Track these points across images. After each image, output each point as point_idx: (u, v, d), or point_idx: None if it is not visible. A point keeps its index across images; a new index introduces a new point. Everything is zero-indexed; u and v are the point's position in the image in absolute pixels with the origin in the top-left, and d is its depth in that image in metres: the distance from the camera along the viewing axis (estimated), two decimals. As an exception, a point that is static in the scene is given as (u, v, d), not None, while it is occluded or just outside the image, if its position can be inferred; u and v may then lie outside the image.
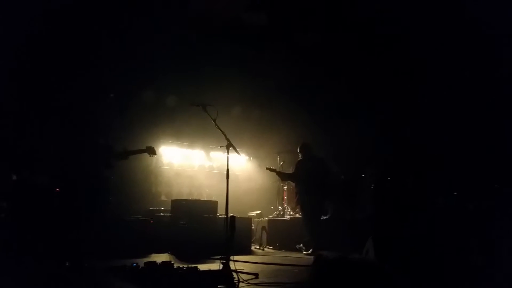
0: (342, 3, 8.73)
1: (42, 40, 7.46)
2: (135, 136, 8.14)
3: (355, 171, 9.52)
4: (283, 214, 9.72)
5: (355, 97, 9.89)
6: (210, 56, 9.43)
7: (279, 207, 9.96)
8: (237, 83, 9.52)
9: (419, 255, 5.21)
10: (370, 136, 9.38)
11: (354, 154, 9.74)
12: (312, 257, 7.43)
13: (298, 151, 8.43)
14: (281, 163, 9.86)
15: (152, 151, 6.34)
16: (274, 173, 8.47)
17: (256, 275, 5.09)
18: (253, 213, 9.69)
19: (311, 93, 10.66)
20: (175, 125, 9.86)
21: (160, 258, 6.29)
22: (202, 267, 4.90)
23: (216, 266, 4.90)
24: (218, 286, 4.45)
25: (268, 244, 8.92)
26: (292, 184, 9.09)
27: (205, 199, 9.72)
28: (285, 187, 9.97)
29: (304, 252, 7.91)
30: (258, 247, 8.82)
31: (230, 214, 5.06)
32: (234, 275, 4.70)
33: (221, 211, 8.00)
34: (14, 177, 6.46)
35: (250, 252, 7.99)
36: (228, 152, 5.34)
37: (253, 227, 9.04)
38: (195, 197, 9.92)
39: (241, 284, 4.60)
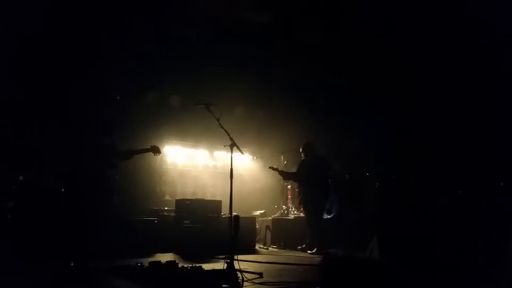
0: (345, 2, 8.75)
1: (46, 40, 7.49)
2: (140, 136, 8.15)
3: (359, 170, 9.50)
4: (287, 213, 9.71)
5: (359, 96, 9.88)
6: (213, 55, 9.43)
7: (283, 206, 9.96)
8: (241, 83, 9.52)
9: (424, 254, 5.20)
10: (375, 135, 9.36)
11: (359, 153, 9.73)
12: (316, 256, 7.45)
13: (300, 150, 8.45)
14: (285, 162, 9.86)
15: (156, 150, 6.33)
16: (277, 172, 8.48)
17: (260, 275, 5.09)
18: (257, 213, 9.68)
19: (315, 92, 10.66)
20: (179, 125, 9.87)
21: (165, 257, 6.28)
22: (207, 266, 4.91)
23: (220, 265, 4.89)
24: (223, 286, 4.45)
25: (273, 243, 8.92)
26: (296, 183, 9.09)
27: (209, 198, 9.74)
28: (289, 186, 9.96)
29: (309, 252, 7.90)
30: (262, 247, 8.82)
31: (234, 213, 5.06)
32: (239, 274, 4.70)
33: (225, 211, 7.98)
34: (21, 178, 6.49)
35: (255, 252, 7.99)
36: (232, 152, 5.34)
37: (257, 227, 9.03)
38: (199, 197, 9.93)
39: (245, 284, 4.60)
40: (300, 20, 9.33)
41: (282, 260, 6.70)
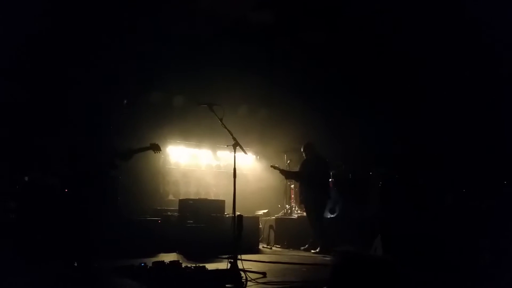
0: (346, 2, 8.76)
1: (48, 41, 7.51)
2: (143, 136, 8.15)
3: (363, 169, 9.49)
4: (291, 213, 9.71)
5: (362, 96, 9.87)
6: (216, 55, 9.43)
7: (287, 205, 9.95)
8: (244, 82, 9.52)
9: (427, 253, 5.19)
10: (379, 134, 9.36)
11: (362, 152, 9.72)
12: (320, 255, 7.45)
13: (302, 150, 8.47)
14: (288, 161, 9.86)
15: (156, 148, 6.29)
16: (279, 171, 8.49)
17: (264, 274, 5.09)
18: (261, 212, 9.69)
19: (318, 92, 10.65)
20: (182, 124, 9.87)
21: (168, 257, 6.29)
22: (210, 266, 4.90)
23: (224, 265, 4.88)
24: (226, 285, 4.44)
25: (276, 243, 8.92)
26: (298, 182, 9.10)
27: (213, 198, 9.74)
28: (292, 186, 9.95)
29: (312, 251, 7.89)
30: (265, 246, 8.82)
31: (237, 213, 5.05)
32: (242, 274, 4.69)
33: (228, 210, 8.00)
34: (26, 178, 6.50)
35: (258, 251, 7.98)
36: (235, 151, 5.34)
37: (260, 226, 9.03)
38: (202, 197, 9.94)
39: (249, 283, 4.59)
40: (302, 20, 9.32)
41: (286, 260, 6.69)
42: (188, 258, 6.48)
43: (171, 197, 9.97)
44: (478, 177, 7.85)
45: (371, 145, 9.51)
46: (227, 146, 5.49)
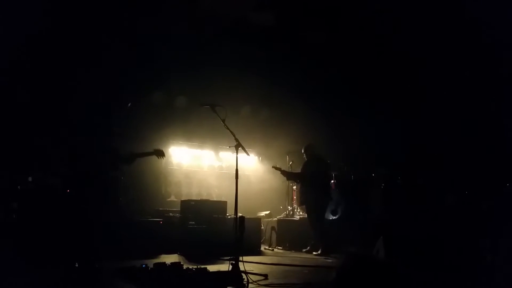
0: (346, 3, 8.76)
1: (49, 41, 7.52)
2: (145, 137, 8.16)
3: (365, 171, 9.47)
4: (293, 214, 9.68)
5: (363, 96, 9.86)
6: (218, 56, 9.43)
7: (289, 207, 9.93)
8: (246, 83, 9.52)
9: (429, 254, 5.17)
10: (381, 136, 9.34)
11: (363, 152, 9.70)
12: (322, 257, 7.43)
13: (302, 151, 8.46)
14: (290, 162, 9.83)
15: (160, 154, 6.27)
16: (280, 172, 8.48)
17: (265, 276, 5.08)
18: (263, 213, 9.66)
19: (319, 92, 10.64)
20: (184, 125, 9.87)
21: (170, 259, 6.29)
22: (212, 268, 4.88)
23: (225, 267, 4.87)
24: (228, 287, 4.44)
25: (278, 244, 8.89)
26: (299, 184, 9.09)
27: (215, 199, 9.71)
28: (294, 187, 9.92)
29: (314, 253, 7.87)
30: (267, 248, 8.80)
31: (239, 214, 5.04)
32: (244, 276, 4.68)
33: (230, 212, 7.97)
34: (30, 179, 6.50)
35: (260, 253, 7.97)
36: (237, 152, 5.32)
37: (262, 228, 9.01)
38: (204, 198, 9.90)
39: (250, 285, 4.58)
40: (302, 20, 9.32)
41: (288, 262, 6.68)
42: (190, 259, 6.47)
43: (173, 198, 9.94)
44: (478, 177, 7.83)
45: (371, 145, 9.49)
46: (230, 147, 5.49)
